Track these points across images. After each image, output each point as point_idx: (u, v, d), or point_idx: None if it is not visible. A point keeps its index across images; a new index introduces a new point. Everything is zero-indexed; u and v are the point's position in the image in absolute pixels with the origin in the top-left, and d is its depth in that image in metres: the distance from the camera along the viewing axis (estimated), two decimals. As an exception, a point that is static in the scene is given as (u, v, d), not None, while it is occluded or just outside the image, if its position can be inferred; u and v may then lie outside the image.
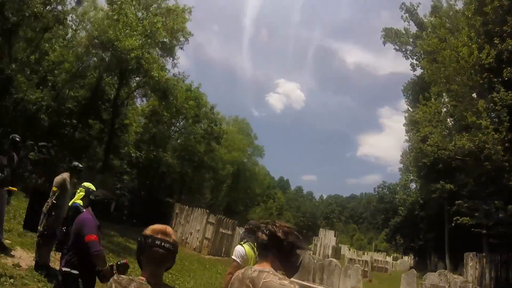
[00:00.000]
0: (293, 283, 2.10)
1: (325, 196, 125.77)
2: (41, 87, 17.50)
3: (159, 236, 2.03)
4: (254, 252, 4.76)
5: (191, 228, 18.25)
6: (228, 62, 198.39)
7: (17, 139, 7.23)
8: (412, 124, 29.17)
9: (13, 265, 6.35)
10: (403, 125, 34.18)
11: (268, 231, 2.27)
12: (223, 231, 18.30)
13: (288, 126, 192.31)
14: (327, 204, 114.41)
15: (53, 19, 16.43)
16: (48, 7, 16.13)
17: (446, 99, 22.18)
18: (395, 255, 46.21)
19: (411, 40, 34.00)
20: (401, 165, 43.24)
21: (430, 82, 22.98)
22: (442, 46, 19.37)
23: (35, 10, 14.24)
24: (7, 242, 7.22)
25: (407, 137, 33.10)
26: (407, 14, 33.73)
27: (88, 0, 18.88)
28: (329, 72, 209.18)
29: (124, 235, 15.10)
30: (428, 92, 23.70)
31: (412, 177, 41.31)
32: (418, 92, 29.12)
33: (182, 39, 22.57)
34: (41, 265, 6.49)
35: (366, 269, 21.14)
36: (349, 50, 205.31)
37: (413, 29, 33.98)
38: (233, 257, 4.74)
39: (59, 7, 16.95)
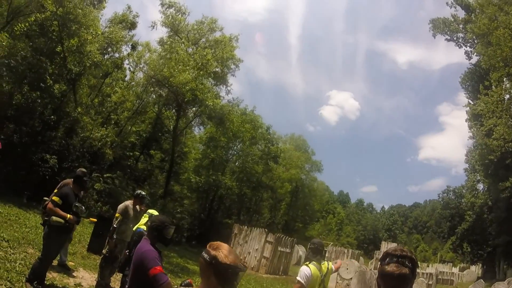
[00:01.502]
0: None
1: (386, 207, 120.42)
2: (105, 126, 19.10)
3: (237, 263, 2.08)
4: (319, 272, 4.77)
5: (249, 247, 18.46)
6: (278, 81, 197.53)
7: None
8: (475, 118, 27.08)
9: (75, 284, 6.77)
10: (465, 121, 31.56)
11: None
12: (282, 249, 18.32)
13: (344, 138, 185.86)
14: (389, 215, 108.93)
15: (112, 65, 18.31)
16: (106, 56, 18.12)
17: (508, 84, 20.49)
18: (461, 265, 43.04)
19: (461, 26, 31.91)
20: (467, 165, 40.37)
21: (489, 69, 21.35)
22: (493, 26, 18.02)
23: (95, 60, 15.73)
24: (70, 264, 7.79)
25: (470, 133, 30.75)
26: (452, -1, 31.70)
27: (142, 44, 20.66)
28: (381, 75, 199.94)
29: (183, 256, 15.84)
30: (488, 80, 21.95)
31: (479, 177, 37.67)
32: (477, 82, 27.19)
33: (232, 66, 23.08)
34: (102, 285, 6.84)
35: (430, 282, 20.06)
36: (398, 49, 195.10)
37: (461, 14, 31.83)
38: (297, 278, 4.69)
39: (116, 55, 18.91)
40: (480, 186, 40.16)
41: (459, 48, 33.39)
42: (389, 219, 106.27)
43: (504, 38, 16.80)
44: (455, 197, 46.83)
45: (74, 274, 7.43)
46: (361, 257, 21.05)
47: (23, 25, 13.32)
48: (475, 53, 29.25)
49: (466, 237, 41.55)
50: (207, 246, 2.16)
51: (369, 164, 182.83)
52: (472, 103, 30.41)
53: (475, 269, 38.48)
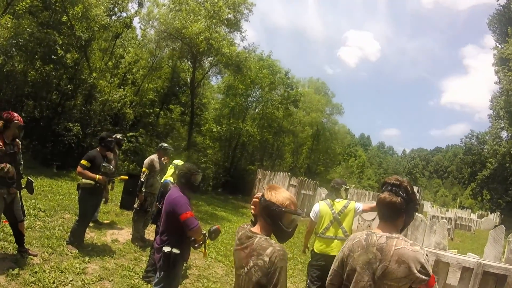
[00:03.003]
0: (423, 248, 1.99)
1: (408, 151, 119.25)
2: (122, 86, 19.14)
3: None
4: (330, 208, 5.00)
5: None
6: (294, 24, 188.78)
7: (120, 138, 8.42)
8: (502, 62, 25.76)
9: (112, 240, 7.16)
10: (492, 65, 30.21)
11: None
12: (305, 192, 18.49)
13: (364, 80, 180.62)
14: (410, 159, 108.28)
15: (121, 26, 17.93)
16: (113, 17, 17.59)
17: None
18: (480, 212, 42.39)
19: None
20: (491, 112, 38.52)
21: None
22: None
23: (102, 22, 15.50)
24: (106, 222, 8.30)
25: (496, 78, 29.64)
26: None
27: (149, 0, 19.99)
28: (404, 14, 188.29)
29: (210, 204, 16.45)
30: None
31: (503, 124, 36.25)
32: (506, 24, 25.35)
33: (245, 11, 22.32)
34: (137, 238, 7.30)
35: (449, 226, 20.47)
36: None
37: None
38: (310, 214, 5.14)
39: (124, 14, 18.34)
40: (504, 134, 38.62)
41: None
42: (410, 163, 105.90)
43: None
44: (477, 143, 45.57)
45: (110, 230, 7.88)
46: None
47: (24, 3, 13.13)
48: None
49: (487, 184, 40.71)
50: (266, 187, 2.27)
51: (391, 107, 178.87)
52: (500, 46, 28.57)
53: (493, 217, 37.80)
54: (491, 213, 40.85)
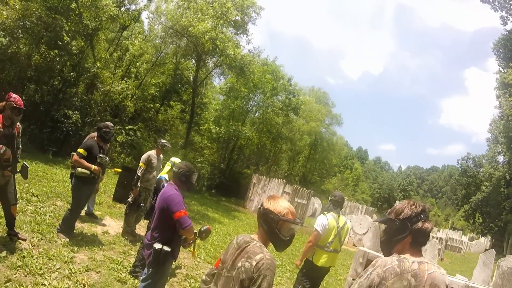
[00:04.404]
0: (440, 268, 2.03)
1: (404, 167, 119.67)
2: (125, 79, 19.11)
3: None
4: (336, 223, 5.04)
5: None
6: (299, 32, 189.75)
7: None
8: (504, 87, 25.96)
9: (102, 232, 7.10)
10: (494, 89, 30.40)
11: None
12: (298, 201, 18.58)
13: (365, 93, 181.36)
14: (405, 176, 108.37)
15: (129, 18, 17.92)
16: (122, 9, 17.59)
17: None
18: (471, 235, 42.94)
19: None
20: (489, 135, 39.36)
21: None
22: None
23: (111, 13, 15.45)
24: (97, 213, 8.18)
25: (497, 102, 29.60)
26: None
27: (159, -5, 20.00)
28: (409, 30, 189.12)
29: (203, 204, 16.40)
30: None
31: (500, 149, 36.48)
32: (511, 49, 25.44)
33: (253, 14, 22.25)
34: (128, 232, 7.27)
35: (439, 247, 20.49)
36: (430, 6, 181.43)
37: None
38: (315, 226, 5.01)
39: (133, 7, 18.36)
40: (501, 158, 39.15)
41: (495, 11, 30.86)
42: (405, 180, 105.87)
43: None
44: (474, 166, 45.90)
45: (102, 222, 7.82)
46: (374, 215, 21.41)
47: (35, -15, 12.98)
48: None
49: (480, 207, 41.14)
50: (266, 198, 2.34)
51: (390, 122, 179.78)
52: (503, 71, 28.76)
53: (484, 241, 37.96)
54: (482, 237, 41.06)
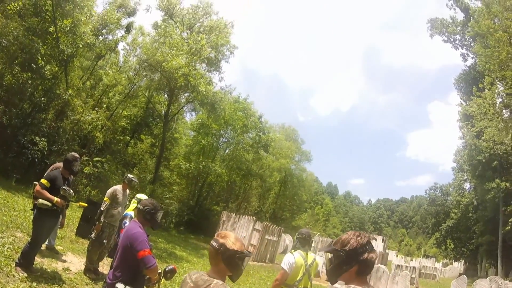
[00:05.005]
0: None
1: (373, 200, 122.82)
2: (96, 109, 18.81)
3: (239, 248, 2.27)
4: (304, 261, 4.88)
5: (237, 235, 18.64)
6: (274, 70, 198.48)
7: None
8: (466, 119, 27.81)
9: (63, 269, 6.71)
10: (456, 121, 32.72)
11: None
12: (269, 238, 18.44)
13: (335, 129, 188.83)
14: (375, 209, 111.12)
15: (105, 47, 17.99)
16: (100, 38, 17.72)
17: (501, 88, 20.79)
18: (444, 261, 44.19)
19: (458, 28, 32.57)
20: (455, 164, 41.68)
21: (483, 71, 21.68)
22: (494, 28, 18.16)
23: (88, 41, 15.44)
24: (59, 248, 7.75)
25: (460, 133, 31.92)
26: (452, 1, 32.27)
27: (135, 27, 20.29)
28: (377, 70, 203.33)
29: (170, 242, 15.92)
30: (482, 83, 22.41)
31: (466, 177, 39.05)
32: (471, 83, 27.72)
33: (227, 52, 22.82)
34: (90, 270, 6.90)
35: (413, 275, 20.64)
36: (396, 46, 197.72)
37: (460, 16, 32.51)
38: (281, 265, 4.85)
39: (110, 37, 18.53)
40: (467, 186, 41.60)
41: (456, 49, 34.10)
42: (376, 212, 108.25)
43: (503, 42, 16.92)
44: (441, 195, 48.02)
45: (63, 258, 7.38)
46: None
47: (16, 4, 12.95)
48: (471, 55, 29.80)
49: (450, 234, 42.92)
50: (215, 235, 2.32)
51: (359, 157, 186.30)
52: (464, 103, 30.97)
53: (458, 266, 39.45)
54: (455, 261, 42.25)
